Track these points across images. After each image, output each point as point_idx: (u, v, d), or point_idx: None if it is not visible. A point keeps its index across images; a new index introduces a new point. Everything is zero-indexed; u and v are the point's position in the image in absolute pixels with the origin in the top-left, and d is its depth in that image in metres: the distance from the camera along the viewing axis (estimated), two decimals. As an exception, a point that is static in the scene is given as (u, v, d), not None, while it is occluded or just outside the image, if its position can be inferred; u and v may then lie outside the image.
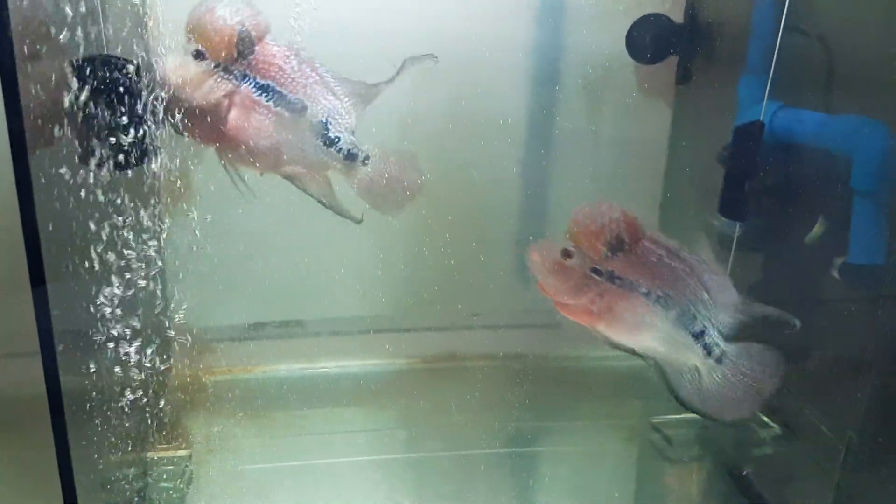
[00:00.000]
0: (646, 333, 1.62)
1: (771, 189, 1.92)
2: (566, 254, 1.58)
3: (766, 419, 2.13)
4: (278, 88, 1.52)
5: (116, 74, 1.46)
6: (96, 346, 1.63)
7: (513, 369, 2.37)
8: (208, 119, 1.52)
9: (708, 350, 1.60)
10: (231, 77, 1.50)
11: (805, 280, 2.02)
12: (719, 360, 1.61)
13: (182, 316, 2.01)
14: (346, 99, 1.59)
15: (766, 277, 2.09)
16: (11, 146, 1.26)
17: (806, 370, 2.06)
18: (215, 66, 1.48)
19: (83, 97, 1.42)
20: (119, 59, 1.47)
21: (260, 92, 1.52)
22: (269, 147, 1.55)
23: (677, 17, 2.14)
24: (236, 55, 1.48)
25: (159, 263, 1.76)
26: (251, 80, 1.51)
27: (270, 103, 1.52)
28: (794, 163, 1.93)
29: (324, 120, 1.56)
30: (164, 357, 2.02)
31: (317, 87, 1.55)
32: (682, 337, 1.59)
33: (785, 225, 1.98)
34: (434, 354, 2.39)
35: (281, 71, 1.52)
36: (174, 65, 1.47)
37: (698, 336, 1.60)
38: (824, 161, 1.88)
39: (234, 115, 1.52)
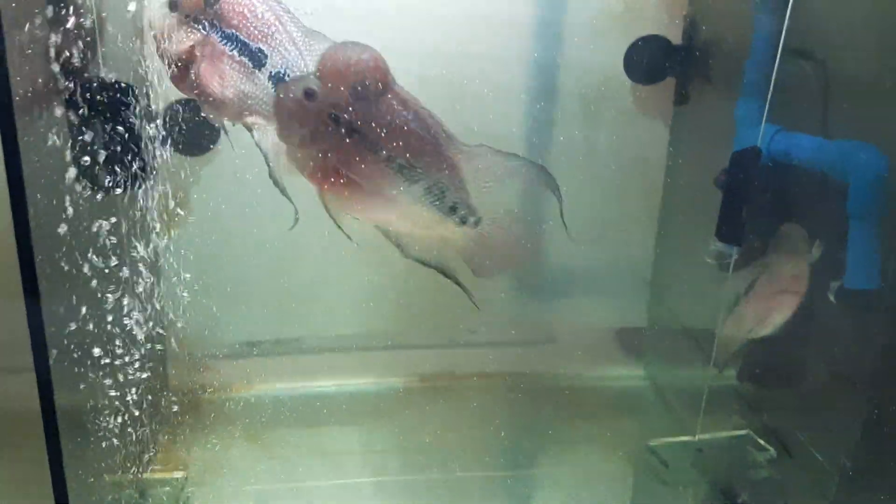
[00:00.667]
0: (387, 206, 1.46)
1: (768, 212, 1.92)
2: (308, 93, 1.37)
3: (761, 441, 2.13)
4: (241, 38, 1.45)
5: (112, 96, 1.46)
6: (91, 364, 1.63)
7: (509, 388, 2.37)
8: (189, 71, 1.46)
9: (463, 220, 1.48)
10: (199, 27, 1.46)
11: (801, 303, 2.03)
12: (476, 224, 1.49)
13: (178, 334, 2.01)
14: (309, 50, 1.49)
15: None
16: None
17: (800, 394, 2.07)
18: (186, 17, 1.45)
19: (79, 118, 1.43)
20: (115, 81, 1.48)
21: (225, 41, 1.46)
22: (233, 96, 1.47)
23: (675, 38, 2.14)
24: (203, 4, 1.44)
25: (155, 281, 1.76)
26: (217, 29, 1.46)
27: (234, 52, 1.46)
28: (792, 186, 1.93)
29: (282, 70, 1.46)
30: (160, 375, 2.03)
31: (281, 36, 1.47)
32: (432, 214, 1.46)
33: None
34: (430, 373, 2.39)
35: (245, 20, 1.46)
36: (151, 17, 1.45)
37: (451, 211, 1.47)
38: (821, 185, 1.88)
39: (202, 65, 1.46)
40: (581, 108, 2.21)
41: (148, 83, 1.50)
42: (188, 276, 1.93)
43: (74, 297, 1.52)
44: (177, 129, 1.73)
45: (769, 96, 1.89)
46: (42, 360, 1.39)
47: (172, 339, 2.03)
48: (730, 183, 1.86)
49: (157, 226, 1.79)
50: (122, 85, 1.52)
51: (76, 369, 1.58)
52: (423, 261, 1.59)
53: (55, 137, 1.42)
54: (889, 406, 1.74)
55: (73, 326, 1.53)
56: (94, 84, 1.48)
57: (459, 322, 2.37)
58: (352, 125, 1.37)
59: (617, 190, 2.28)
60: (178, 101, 1.71)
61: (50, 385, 1.41)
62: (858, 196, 1.79)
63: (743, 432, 2.20)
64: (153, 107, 1.56)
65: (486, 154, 1.51)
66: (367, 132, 1.38)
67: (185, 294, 1.98)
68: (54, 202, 1.45)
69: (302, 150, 1.41)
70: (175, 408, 2.06)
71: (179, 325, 1.98)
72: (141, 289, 1.74)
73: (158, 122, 1.61)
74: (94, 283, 1.58)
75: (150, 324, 1.80)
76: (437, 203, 1.46)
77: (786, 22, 1.81)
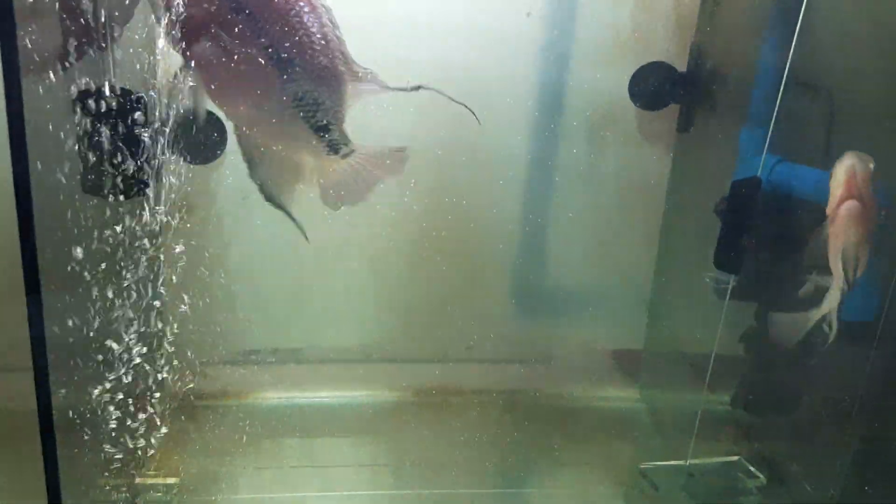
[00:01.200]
0: (252, 102, 1.32)
1: (766, 242, 1.94)
2: None
3: (752, 468, 2.14)
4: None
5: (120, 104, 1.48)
6: (89, 367, 1.64)
7: (503, 405, 2.38)
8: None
9: (333, 148, 1.37)
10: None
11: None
12: (346, 157, 1.39)
13: (176, 340, 2.02)
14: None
15: (759, 330, 2.10)
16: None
17: (792, 422, 2.08)
18: None
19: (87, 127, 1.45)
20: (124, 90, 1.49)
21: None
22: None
23: (681, 65, 2.16)
24: None
25: (156, 288, 1.77)
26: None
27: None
28: (791, 217, 1.95)
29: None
30: (157, 381, 2.03)
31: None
32: (298, 128, 1.33)
33: (779, 278, 2.00)
34: (425, 387, 2.40)
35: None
36: None
37: (320, 131, 1.35)
38: (820, 215, 1.89)
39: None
40: (585, 131, 2.23)
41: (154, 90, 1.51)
42: (188, 283, 1.94)
43: (74, 301, 1.53)
44: (184, 136, 1.75)
45: (771, 126, 1.91)
46: (40, 360, 1.40)
47: (170, 346, 2.04)
48: (729, 212, 1.88)
49: (159, 232, 1.80)
50: (129, 93, 1.53)
51: (74, 373, 1.59)
52: (265, 188, 1.44)
53: (64, 142, 1.44)
54: (880, 437, 1.75)
55: (71, 329, 1.54)
56: (102, 91, 1.49)
57: (457, 337, 2.39)
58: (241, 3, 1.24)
59: (618, 212, 2.30)
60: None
61: (47, 386, 1.42)
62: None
63: (734, 458, 2.20)
64: (158, 114, 1.57)
65: (377, 81, 1.37)
66: (257, 12, 1.26)
67: (184, 301, 1.99)
68: (58, 205, 1.47)
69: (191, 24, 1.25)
70: (171, 414, 2.07)
71: (178, 331, 1.99)
72: (141, 295, 1.75)
73: (165, 128, 1.62)
74: (95, 287, 1.59)
75: (149, 330, 1.81)
76: (309, 117, 1.32)
77: (791, 52, 1.83)
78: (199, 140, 1.85)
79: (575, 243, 2.35)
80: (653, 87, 2.14)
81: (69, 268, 1.49)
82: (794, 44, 1.81)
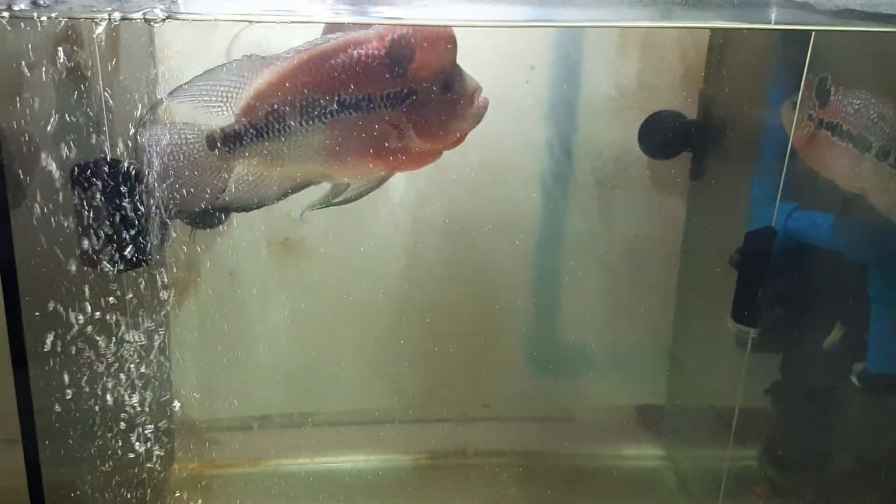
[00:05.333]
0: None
1: (786, 292, 1.87)
2: None
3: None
4: None
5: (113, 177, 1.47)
6: (93, 436, 1.62)
7: (523, 467, 2.30)
8: None
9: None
10: None
11: (823, 385, 1.96)
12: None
13: (185, 407, 1.99)
14: None
15: (784, 383, 2.03)
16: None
17: (822, 479, 1.99)
18: None
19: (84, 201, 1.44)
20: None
21: None
22: None
23: (691, 113, 2.12)
24: None
25: (162, 354, 1.75)
26: None
27: None
28: (811, 266, 1.88)
29: None
30: (166, 450, 2.00)
31: None
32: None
33: (802, 328, 1.93)
34: (440, 450, 2.33)
35: None
36: None
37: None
38: (842, 264, 1.83)
39: None
40: (596, 185, 2.19)
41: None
42: (196, 348, 1.92)
43: (74, 369, 1.52)
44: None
45: (784, 172, 1.85)
46: (30, 432, 1.38)
47: (179, 413, 2.01)
48: (744, 263, 1.82)
49: (165, 297, 1.79)
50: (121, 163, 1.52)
51: (77, 442, 1.57)
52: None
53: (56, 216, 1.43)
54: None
55: (72, 398, 1.52)
56: (94, 162, 1.49)
57: (472, 396, 2.33)
58: None
59: (633, 266, 2.24)
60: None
61: (37, 459, 1.39)
62: (878, 278, 1.74)
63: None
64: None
65: None
66: None
67: (192, 366, 1.97)
68: (52, 276, 1.46)
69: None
70: (181, 485, 2.03)
71: (188, 397, 1.97)
72: (148, 361, 1.73)
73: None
74: (99, 355, 1.57)
75: (157, 396, 1.79)
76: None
77: (800, 96, 1.78)
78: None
79: (590, 298, 2.29)
80: (663, 135, 2.10)
81: (65, 329, 1.48)
82: (802, 86, 1.77)
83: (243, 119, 1.38)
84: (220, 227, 1.94)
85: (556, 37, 2.11)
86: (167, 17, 1.38)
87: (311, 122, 1.39)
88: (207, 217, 1.87)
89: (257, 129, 1.38)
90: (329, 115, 1.38)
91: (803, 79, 1.72)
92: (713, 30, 2.06)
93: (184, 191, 1.43)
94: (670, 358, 2.31)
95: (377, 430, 2.34)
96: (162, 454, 1.90)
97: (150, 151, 1.40)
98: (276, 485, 2.22)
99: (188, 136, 1.40)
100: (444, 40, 1.40)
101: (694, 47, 2.10)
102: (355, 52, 1.35)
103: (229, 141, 1.39)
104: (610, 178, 2.18)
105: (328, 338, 2.21)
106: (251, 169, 1.43)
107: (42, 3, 1.35)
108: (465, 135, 1.47)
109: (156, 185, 1.45)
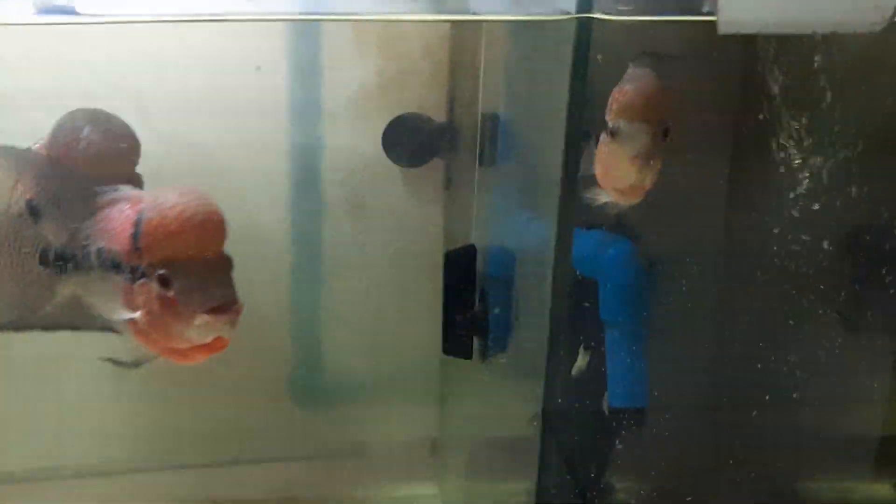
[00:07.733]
0: None
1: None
2: None
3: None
4: None
5: None
6: None
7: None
8: None
9: None
10: None
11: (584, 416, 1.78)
12: None
13: None
14: None
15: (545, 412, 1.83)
16: None
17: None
18: None
19: None
20: None
21: None
22: None
23: (439, 116, 1.91)
24: None
25: None
26: None
27: None
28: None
29: None
30: None
31: None
32: None
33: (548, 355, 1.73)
34: (191, 499, 2.08)
35: None
36: None
37: None
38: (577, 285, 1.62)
39: None
40: (347, 199, 1.96)
41: None
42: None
43: None
44: None
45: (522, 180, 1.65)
46: None
47: None
48: (446, 289, 1.59)
49: None
50: None
51: None
52: None
53: None
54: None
55: None
56: None
57: (231, 440, 2.08)
58: None
59: (392, 277, 2.02)
60: None
61: None
62: (609, 299, 1.54)
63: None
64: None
65: None
66: None
67: None
68: None
69: None
70: None
71: None
72: None
73: None
74: None
75: None
76: None
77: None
78: None
79: (352, 324, 2.07)
80: (408, 141, 1.87)
81: None
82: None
83: None
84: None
85: (287, 34, 1.87)
86: None
87: None
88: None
89: None
90: None
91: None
92: (452, 23, 1.85)
93: None
94: (440, 385, 2.10)
95: (121, 482, 2.07)
96: None
97: None
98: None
99: None
100: None
101: (439, 42, 1.89)
102: None
103: None
104: (361, 191, 1.96)
105: (76, 387, 1.96)
106: None
107: None
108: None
109: None
